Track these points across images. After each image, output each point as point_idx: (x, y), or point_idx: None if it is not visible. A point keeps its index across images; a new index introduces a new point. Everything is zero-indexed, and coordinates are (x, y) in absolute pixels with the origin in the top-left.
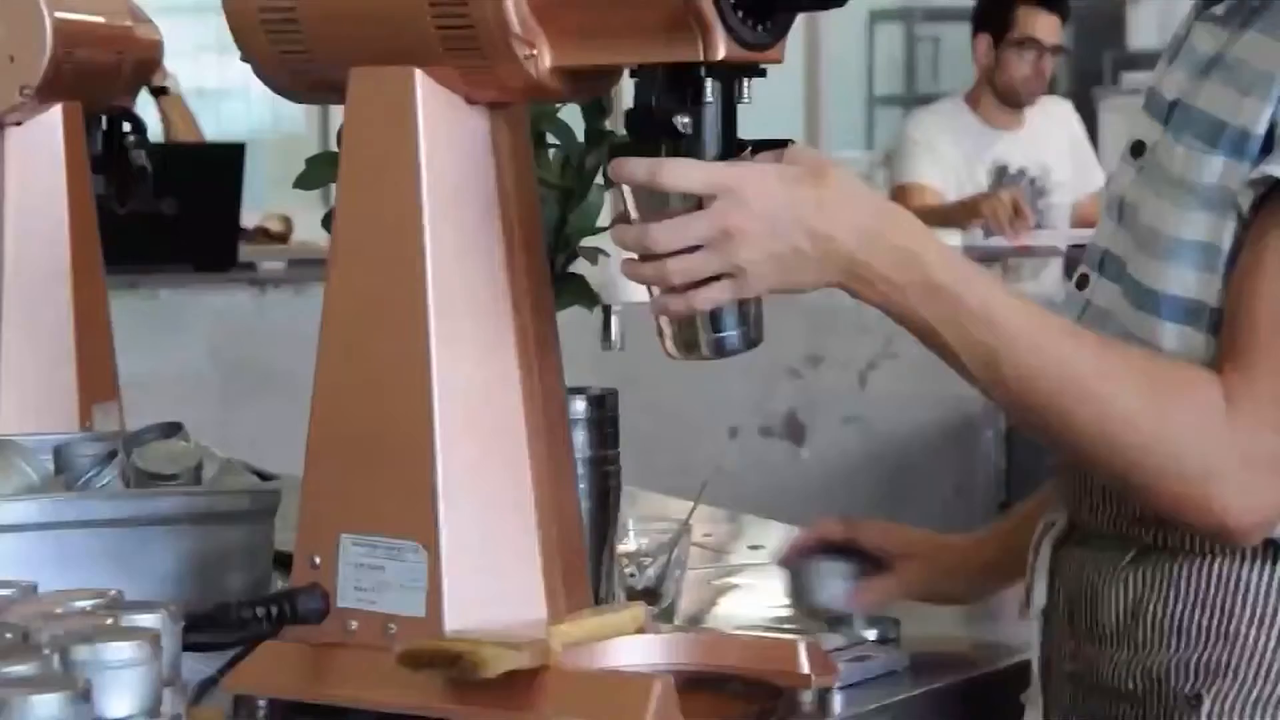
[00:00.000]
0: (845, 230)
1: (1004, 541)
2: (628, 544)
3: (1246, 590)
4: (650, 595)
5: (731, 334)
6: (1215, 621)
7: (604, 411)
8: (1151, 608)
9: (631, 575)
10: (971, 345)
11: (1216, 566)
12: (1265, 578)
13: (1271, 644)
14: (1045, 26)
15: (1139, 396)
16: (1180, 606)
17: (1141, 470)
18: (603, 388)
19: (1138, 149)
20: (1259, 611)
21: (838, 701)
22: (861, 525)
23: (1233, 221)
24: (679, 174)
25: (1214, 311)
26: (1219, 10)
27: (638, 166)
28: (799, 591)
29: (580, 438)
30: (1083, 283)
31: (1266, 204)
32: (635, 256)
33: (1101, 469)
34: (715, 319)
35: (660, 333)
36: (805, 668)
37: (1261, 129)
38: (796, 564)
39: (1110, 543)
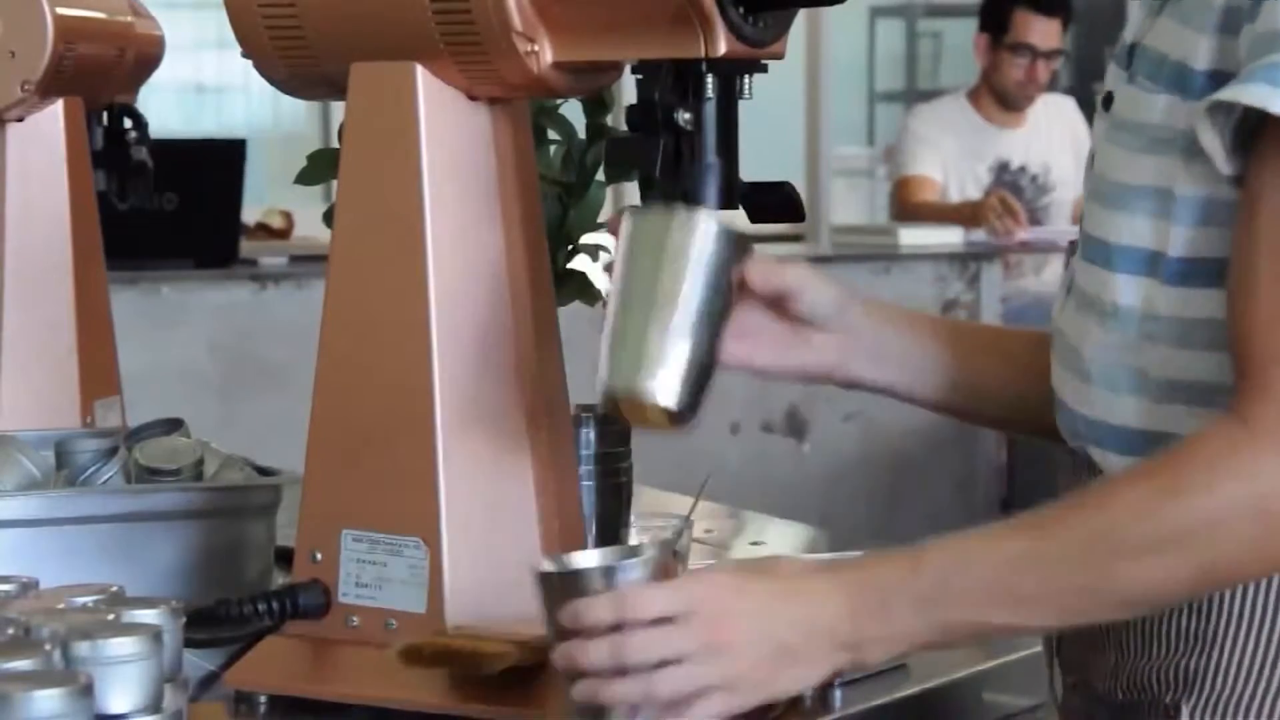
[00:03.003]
0: (821, 606)
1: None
2: (628, 540)
3: (1230, 591)
4: None
5: None
6: (1195, 624)
7: None
8: None
9: None
10: (989, 625)
11: None
12: None
13: (1249, 645)
14: (1041, 32)
15: (1144, 515)
16: (1164, 609)
17: (1200, 565)
18: None
19: (1108, 100)
20: (1238, 612)
21: (838, 697)
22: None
23: (1181, 162)
24: (646, 601)
25: (1170, 261)
26: None
27: (601, 608)
28: None
29: (591, 435)
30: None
31: (1257, 151)
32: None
33: (1184, 598)
34: None
35: None
36: None
37: (1201, 64)
38: None
39: None
